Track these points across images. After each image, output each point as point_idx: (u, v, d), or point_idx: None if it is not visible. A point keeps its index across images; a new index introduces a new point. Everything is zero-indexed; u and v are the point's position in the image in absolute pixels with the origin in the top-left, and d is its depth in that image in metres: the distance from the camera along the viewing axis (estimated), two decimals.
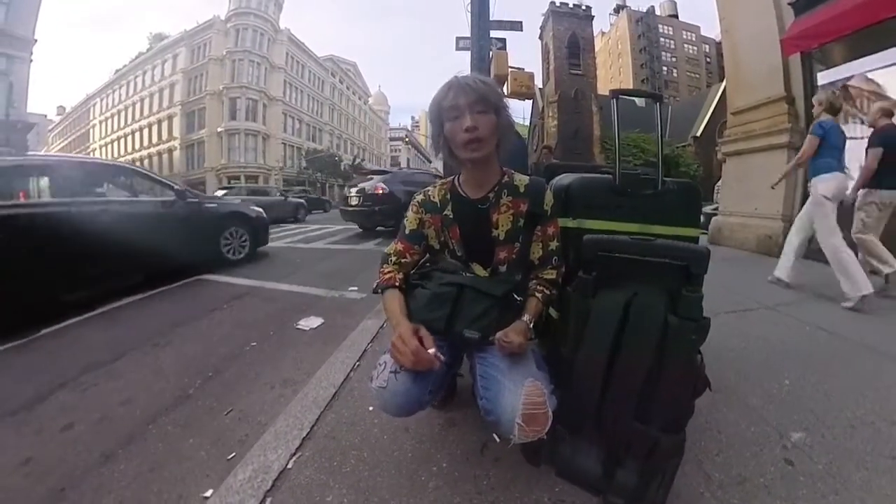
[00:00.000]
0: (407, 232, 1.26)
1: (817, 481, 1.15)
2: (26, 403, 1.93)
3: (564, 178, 1.33)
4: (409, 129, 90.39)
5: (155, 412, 1.79)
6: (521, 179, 1.21)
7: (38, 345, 2.78)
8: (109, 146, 44.89)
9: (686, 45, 54.89)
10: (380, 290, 1.20)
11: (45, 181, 3.71)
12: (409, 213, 1.28)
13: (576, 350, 0.98)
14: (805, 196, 4.81)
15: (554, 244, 1.20)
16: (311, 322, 2.91)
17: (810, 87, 4.90)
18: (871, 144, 3.25)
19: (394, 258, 1.24)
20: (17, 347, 2.71)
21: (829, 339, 2.27)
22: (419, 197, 1.29)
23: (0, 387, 2.16)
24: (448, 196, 1.24)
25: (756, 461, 1.25)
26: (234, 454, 1.45)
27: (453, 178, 1.28)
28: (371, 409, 1.58)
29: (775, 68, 5.19)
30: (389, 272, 1.21)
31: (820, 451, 1.29)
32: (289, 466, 1.26)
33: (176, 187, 4.71)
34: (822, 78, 4.78)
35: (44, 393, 2.03)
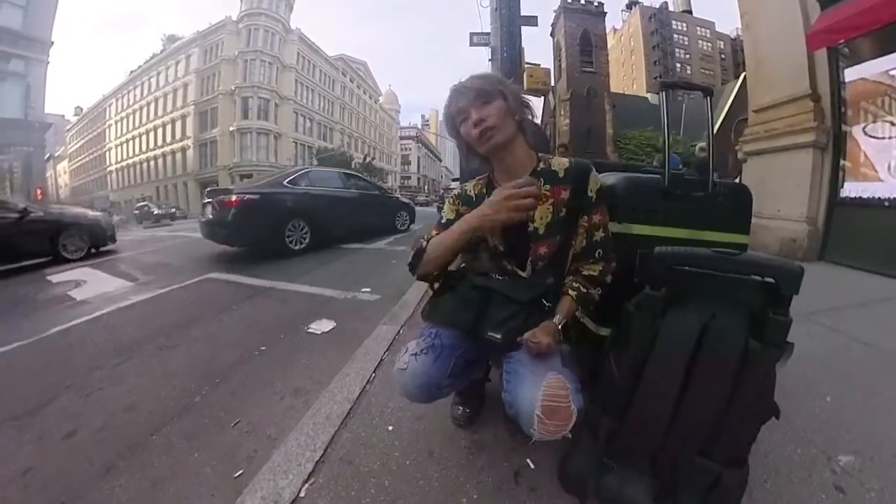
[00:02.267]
0: (443, 221, 1.21)
1: None
2: (30, 407, 1.89)
3: (609, 178, 1.21)
4: (420, 127, 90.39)
5: (159, 421, 1.73)
6: (561, 163, 1.12)
7: (48, 343, 2.77)
8: (125, 145, 45.64)
9: (700, 42, 53.92)
10: (420, 245, 1.12)
11: (335, 180, 7.31)
12: (446, 206, 1.27)
13: (637, 376, 0.87)
14: (830, 199, 4.67)
15: (599, 234, 1.10)
16: (322, 325, 2.82)
17: (837, 83, 4.70)
18: None
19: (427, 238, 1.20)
20: (26, 346, 2.70)
21: (868, 352, 2.13)
22: (455, 192, 1.28)
23: (7, 388, 2.15)
24: (484, 190, 1.19)
25: (806, 488, 1.14)
26: (241, 472, 1.37)
27: (489, 173, 1.22)
28: (391, 428, 1.47)
29: (800, 64, 4.98)
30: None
31: (871, 476, 1.19)
32: (301, 495, 1.16)
33: (380, 185, 9.59)
34: (850, 74, 4.58)
35: (48, 396, 1.99)
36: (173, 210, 26.50)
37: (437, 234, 1.18)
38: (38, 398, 1.97)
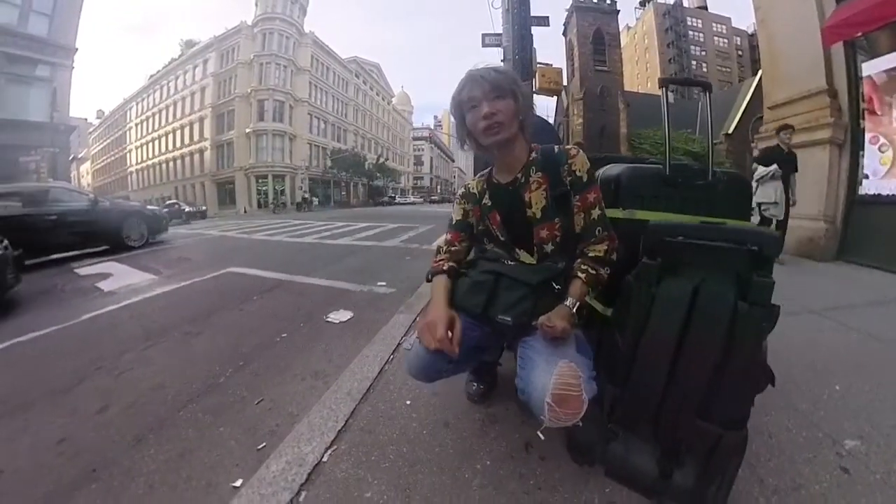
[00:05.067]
0: (453, 222, 1.33)
1: (876, 491, 1.08)
2: (65, 385, 2.00)
3: (613, 168, 1.27)
4: (432, 128, 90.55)
5: (186, 399, 1.81)
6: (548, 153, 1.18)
7: (79, 329, 2.89)
8: (145, 147, 46.71)
9: (716, 38, 52.87)
10: (430, 277, 1.25)
11: None
12: (454, 207, 1.35)
13: (636, 341, 0.91)
14: (848, 197, 4.58)
15: (596, 212, 1.12)
16: (340, 315, 2.90)
17: (854, 78, 4.61)
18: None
19: (444, 248, 1.30)
20: (59, 331, 2.83)
21: (880, 347, 2.11)
22: (461, 191, 1.35)
23: (42, 368, 2.26)
24: (485, 186, 1.27)
25: (810, 467, 1.17)
26: (264, 444, 1.44)
27: (489, 170, 1.29)
28: (409, 402, 1.54)
29: (815, 59, 4.90)
30: (440, 260, 1.26)
31: (877, 460, 1.21)
32: (324, 460, 1.23)
33: None
34: (868, 68, 4.49)
35: (81, 375, 2.10)
36: (203, 208, 27.33)
37: (450, 238, 1.31)
38: (72, 377, 2.08)
